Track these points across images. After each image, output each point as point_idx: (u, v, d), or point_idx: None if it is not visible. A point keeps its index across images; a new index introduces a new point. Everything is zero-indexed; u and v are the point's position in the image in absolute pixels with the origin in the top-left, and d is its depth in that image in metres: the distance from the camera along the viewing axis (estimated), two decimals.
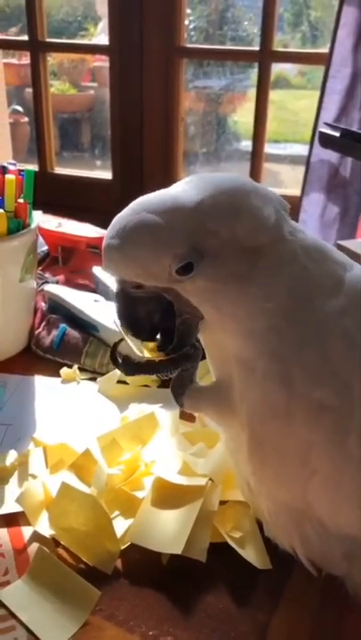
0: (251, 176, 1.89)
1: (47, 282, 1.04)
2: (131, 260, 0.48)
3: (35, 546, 0.59)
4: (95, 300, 0.95)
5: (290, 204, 0.53)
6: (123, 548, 0.59)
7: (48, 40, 2.14)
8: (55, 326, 0.92)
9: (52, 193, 2.04)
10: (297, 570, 0.57)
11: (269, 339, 0.48)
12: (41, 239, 1.09)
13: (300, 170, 1.76)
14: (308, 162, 1.70)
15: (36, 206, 0.89)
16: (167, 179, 2.04)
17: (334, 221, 1.70)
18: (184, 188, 0.49)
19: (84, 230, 1.15)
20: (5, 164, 0.88)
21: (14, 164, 0.89)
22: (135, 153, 2.08)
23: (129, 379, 0.84)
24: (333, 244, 1.16)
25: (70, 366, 0.88)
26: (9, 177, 0.84)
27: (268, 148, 2.06)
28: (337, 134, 1.50)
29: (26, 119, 3.58)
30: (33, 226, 0.87)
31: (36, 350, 0.92)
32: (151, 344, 0.54)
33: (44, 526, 0.61)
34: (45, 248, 1.15)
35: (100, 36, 3.64)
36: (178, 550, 0.57)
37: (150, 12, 1.91)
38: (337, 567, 0.54)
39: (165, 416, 0.74)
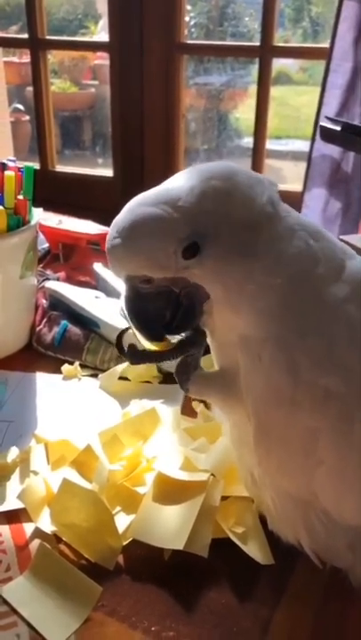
0: None
1: (48, 279, 1.04)
2: (136, 254, 0.49)
3: (36, 542, 0.59)
4: (96, 297, 0.95)
5: (292, 200, 0.54)
6: (124, 543, 0.59)
7: (48, 37, 2.14)
8: (56, 323, 0.92)
9: (54, 191, 2.03)
10: (300, 565, 0.57)
11: (277, 318, 0.49)
12: (42, 236, 1.09)
13: (302, 166, 1.75)
14: (309, 157, 1.69)
15: (37, 204, 0.89)
16: (168, 176, 2.02)
17: (336, 217, 1.69)
18: (176, 180, 0.51)
19: (85, 227, 1.15)
20: (5, 161, 0.88)
21: (13, 161, 0.89)
22: (136, 150, 2.08)
23: (130, 375, 0.84)
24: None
25: (71, 363, 0.87)
26: (8, 173, 0.84)
27: (270, 145, 2.06)
28: (338, 128, 1.49)
29: (27, 118, 3.58)
30: (33, 222, 0.86)
31: (38, 347, 0.92)
32: None
33: (45, 522, 0.61)
34: (46, 245, 1.15)
35: (101, 33, 3.64)
36: (180, 546, 0.56)
37: (150, 9, 1.91)
38: (341, 559, 0.54)
39: (167, 412, 0.74)
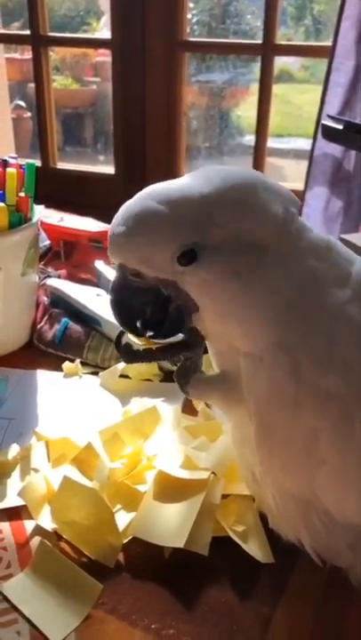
0: None
1: (49, 276, 1.04)
2: (134, 247, 0.48)
3: (37, 539, 0.59)
4: (97, 295, 0.95)
5: None
6: (125, 541, 0.59)
7: (50, 34, 2.14)
8: (57, 320, 0.92)
9: (55, 188, 2.04)
10: (300, 563, 0.57)
11: (272, 331, 0.48)
12: (43, 234, 1.09)
13: (304, 164, 1.75)
14: (311, 156, 1.69)
15: (38, 201, 0.89)
16: (169, 173, 2.03)
17: (338, 215, 1.69)
18: (194, 179, 0.49)
19: (87, 225, 1.14)
20: (6, 158, 0.88)
21: (15, 158, 0.89)
22: (138, 147, 2.08)
23: (131, 373, 0.84)
24: (337, 238, 1.15)
25: (72, 360, 0.87)
26: (10, 170, 0.84)
27: (272, 143, 2.05)
28: (340, 127, 1.49)
29: (28, 114, 3.57)
30: (34, 220, 0.86)
31: (39, 344, 0.91)
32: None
33: (46, 520, 0.61)
34: (47, 242, 1.15)
35: (103, 30, 3.64)
36: (180, 544, 0.56)
37: (153, 6, 1.91)
38: (342, 558, 0.54)
39: (167, 410, 0.74)
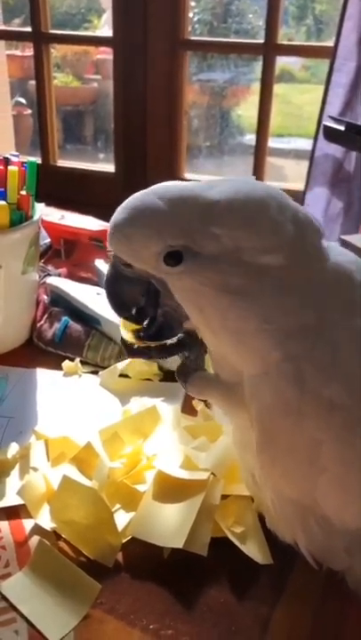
0: (254, 170, 1.88)
1: (49, 274, 1.03)
2: (124, 238, 0.49)
3: (36, 539, 0.59)
4: (98, 294, 0.95)
5: (293, 199, 0.50)
6: (124, 541, 0.59)
7: (51, 31, 2.13)
8: (57, 319, 0.92)
9: (55, 186, 2.03)
10: (299, 564, 0.57)
11: (268, 355, 0.48)
12: (43, 232, 1.09)
13: (304, 164, 1.75)
14: (312, 156, 1.69)
15: (38, 199, 0.89)
16: (170, 172, 2.03)
17: (338, 216, 1.69)
18: (216, 185, 0.48)
19: (87, 223, 1.14)
20: (8, 156, 0.88)
21: (17, 156, 0.88)
22: (138, 146, 2.07)
23: (131, 372, 0.84)
24: (337, 239, 1.15)
25: (72, 359, 0.87)
26: (12, 168, 0.84)
27: (272, 142, 2.05)
28: (341, 128, 1.49)
29: (29, 111, 3.56)
30: (35, 218, 0.86)
31: (38, 343, 0.91)
32: (130, 327, 0.55)
33: (45, 519, 0.61)
34: (48, 241, 1.15)
35: (104, 28, 3.63)
36: (179, 544, 0.56)
37: (154, 4, 1.90)
38: (338, 561, 0.54)
39: (167, 410, 0.74)
